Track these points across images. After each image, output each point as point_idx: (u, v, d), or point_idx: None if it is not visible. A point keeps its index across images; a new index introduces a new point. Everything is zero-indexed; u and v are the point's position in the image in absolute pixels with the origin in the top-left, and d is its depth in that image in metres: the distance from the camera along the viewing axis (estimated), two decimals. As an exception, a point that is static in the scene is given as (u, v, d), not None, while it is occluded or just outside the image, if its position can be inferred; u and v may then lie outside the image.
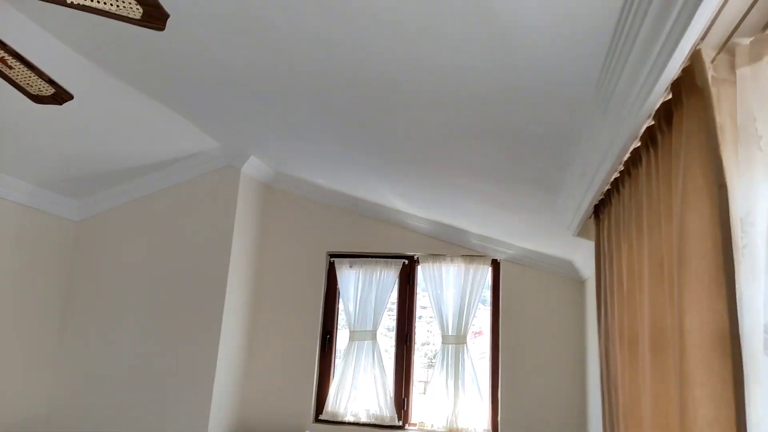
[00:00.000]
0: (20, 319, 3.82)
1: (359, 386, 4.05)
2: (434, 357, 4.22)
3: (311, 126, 2.98)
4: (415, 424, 3.96)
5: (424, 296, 4.23)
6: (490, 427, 3.80)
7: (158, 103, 3.24)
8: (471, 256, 4.10)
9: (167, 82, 2.90)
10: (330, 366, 4.22)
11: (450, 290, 4.07)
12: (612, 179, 1.91)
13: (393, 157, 3.07)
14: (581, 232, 2.66)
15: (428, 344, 4.32)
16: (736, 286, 1.11)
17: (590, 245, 3.08)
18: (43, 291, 4.00)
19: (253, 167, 4.15)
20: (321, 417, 4.07)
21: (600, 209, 2.31)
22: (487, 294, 4.12)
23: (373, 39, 1.75)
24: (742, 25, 1.09)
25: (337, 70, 2.08)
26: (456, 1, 1.43)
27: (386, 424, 3.94)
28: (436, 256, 4.15)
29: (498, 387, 3.86)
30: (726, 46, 1.15)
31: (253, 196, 4.28)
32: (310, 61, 2.09)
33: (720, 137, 1.17)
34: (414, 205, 3.93)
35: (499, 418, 3.78)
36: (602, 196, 2.18)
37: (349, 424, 4.01)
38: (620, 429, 1.79)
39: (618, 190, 1.94)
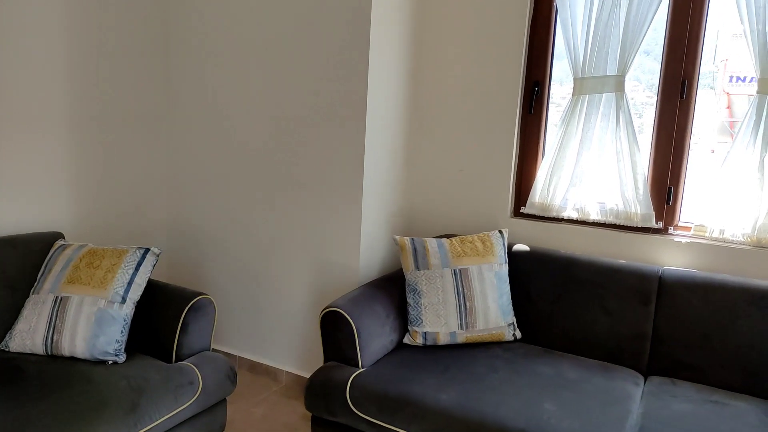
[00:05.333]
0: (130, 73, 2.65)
1: (589, 166, 2.50)
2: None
3: None
4: (688, 228, 2.42)
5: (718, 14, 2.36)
6: None
7: None
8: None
9: None
10: (539, 135, 2.69)
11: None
12: None
13: None
14: None
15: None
16: None
17: None
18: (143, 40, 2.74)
19: None
20: (523, 210, 2.69)
21: None
22: None
23: None
24: None
25: None
26: None
27: (635, 224, 2.45)
28: (752, -63, 2.16)
29: None
30: None
31: None
32: None
33: None
34: None
35: None
36: None
37: (569, 221, 2.59)
38: None
39: None
